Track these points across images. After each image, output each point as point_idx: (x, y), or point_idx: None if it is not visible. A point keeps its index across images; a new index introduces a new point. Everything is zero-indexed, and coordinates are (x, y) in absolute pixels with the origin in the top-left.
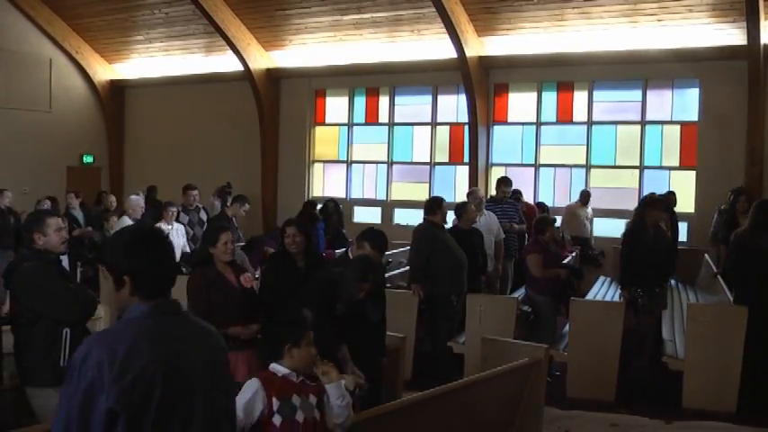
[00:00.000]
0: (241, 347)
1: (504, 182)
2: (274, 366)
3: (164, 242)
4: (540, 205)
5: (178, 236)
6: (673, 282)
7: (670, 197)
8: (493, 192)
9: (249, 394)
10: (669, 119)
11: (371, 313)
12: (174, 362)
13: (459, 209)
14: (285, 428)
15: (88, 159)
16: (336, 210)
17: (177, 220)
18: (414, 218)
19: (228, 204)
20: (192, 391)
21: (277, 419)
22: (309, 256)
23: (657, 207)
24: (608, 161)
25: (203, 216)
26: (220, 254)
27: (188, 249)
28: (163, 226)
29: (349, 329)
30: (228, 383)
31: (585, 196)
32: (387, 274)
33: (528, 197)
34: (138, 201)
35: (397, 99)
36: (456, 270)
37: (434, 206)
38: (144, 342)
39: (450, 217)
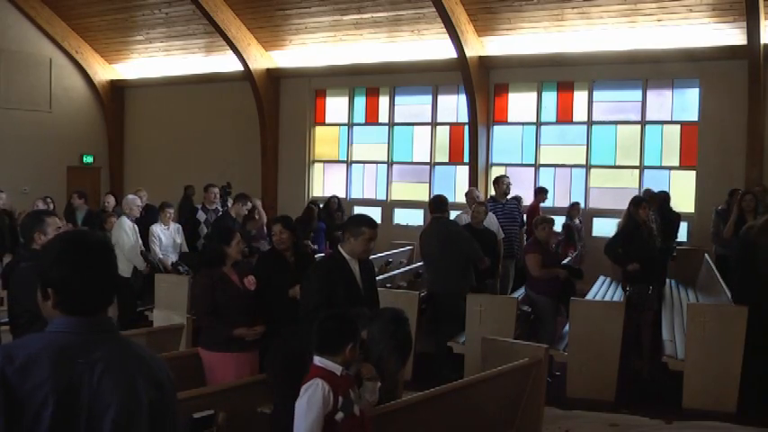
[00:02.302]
0: (245, 348)
1: (501, 176)
2: (327, 363)
3: (99, 254)
4: (542, 190)
5: (176, 236)
6: (673, 282)
7: (660, 195)
8: (492, 192)
9: (317, 395)
10: (669, 119)
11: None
12: (76, 390)
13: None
14: (346, 424)
15: (88, 159)
16: (339, 207)
17: (195, 217)
18: (414, 218)
19: (229, 205)
20: (92, 428)
21: (339, 416)
22: (298, 251)
23: (643, 207)
24: (608, 161)
25: None
26: (233, 253)
27: (186, 249)
28: (158, 227)
29: None
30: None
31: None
32: (387, 274)
33: (528, 197)
34: (133, 200)
35: (397, 99)
36: (468, 267)
37: (443, 204)
38: (47, 357)
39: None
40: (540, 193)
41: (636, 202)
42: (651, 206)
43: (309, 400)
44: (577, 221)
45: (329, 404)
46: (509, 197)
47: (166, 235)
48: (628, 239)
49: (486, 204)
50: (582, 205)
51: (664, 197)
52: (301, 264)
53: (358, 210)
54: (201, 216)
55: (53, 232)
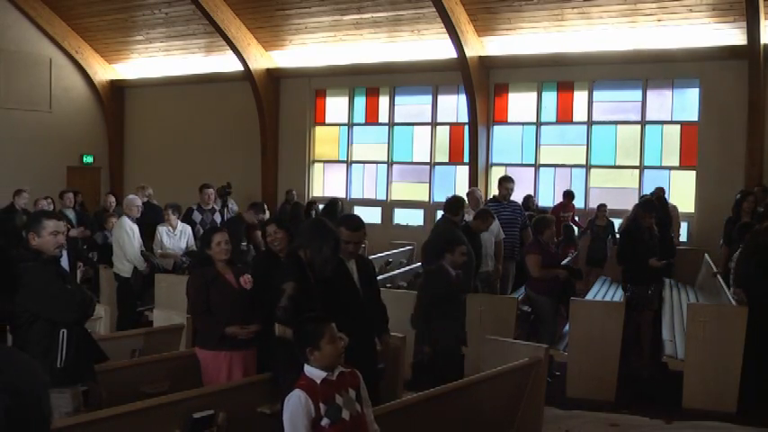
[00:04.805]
0: (238, 347)
1: (506, 179)
2: (310, 371)
3: None
4: (571, 194)
5: (182, 238)
6: (672, 282)
7: (658, 192)
8: (494, 191)
9: (296, 407)
10: (669, 119)
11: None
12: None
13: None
14: (336, 429)
15: (88, 159)
16: (342, 210)
17: (191, 218)
18: (414, 218)
19: (228, 205)
20: None
21: (325, 422)
22: None
23: (649, 213)
24: (608, 161)
25: (217, 218)
26: (217, 254)
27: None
28: (164, 228)
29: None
30: None
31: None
32: (387, 275)
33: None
34: (133, 200)
35: (397, 99)
36: (470, 269)
37: (453, 206)
38: None
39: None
40: (568, 196)
41: (647, 208)
42: (657, 212)
43: (286, 413)
44: (604, 222)
45: (311, 412)
46: (511, 195)
47: (171, 236)
48: (630, 240)
49: (491, 210)
50: (582, 206)
51: (660, 194)
52: None
53: (358, 210)
54: (197, 217)
55: (47, 235)
